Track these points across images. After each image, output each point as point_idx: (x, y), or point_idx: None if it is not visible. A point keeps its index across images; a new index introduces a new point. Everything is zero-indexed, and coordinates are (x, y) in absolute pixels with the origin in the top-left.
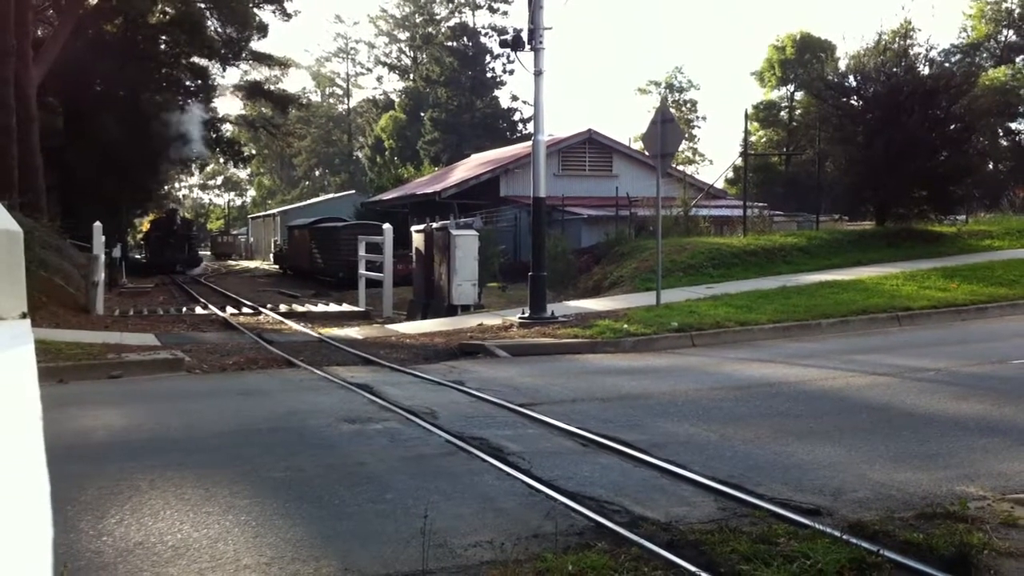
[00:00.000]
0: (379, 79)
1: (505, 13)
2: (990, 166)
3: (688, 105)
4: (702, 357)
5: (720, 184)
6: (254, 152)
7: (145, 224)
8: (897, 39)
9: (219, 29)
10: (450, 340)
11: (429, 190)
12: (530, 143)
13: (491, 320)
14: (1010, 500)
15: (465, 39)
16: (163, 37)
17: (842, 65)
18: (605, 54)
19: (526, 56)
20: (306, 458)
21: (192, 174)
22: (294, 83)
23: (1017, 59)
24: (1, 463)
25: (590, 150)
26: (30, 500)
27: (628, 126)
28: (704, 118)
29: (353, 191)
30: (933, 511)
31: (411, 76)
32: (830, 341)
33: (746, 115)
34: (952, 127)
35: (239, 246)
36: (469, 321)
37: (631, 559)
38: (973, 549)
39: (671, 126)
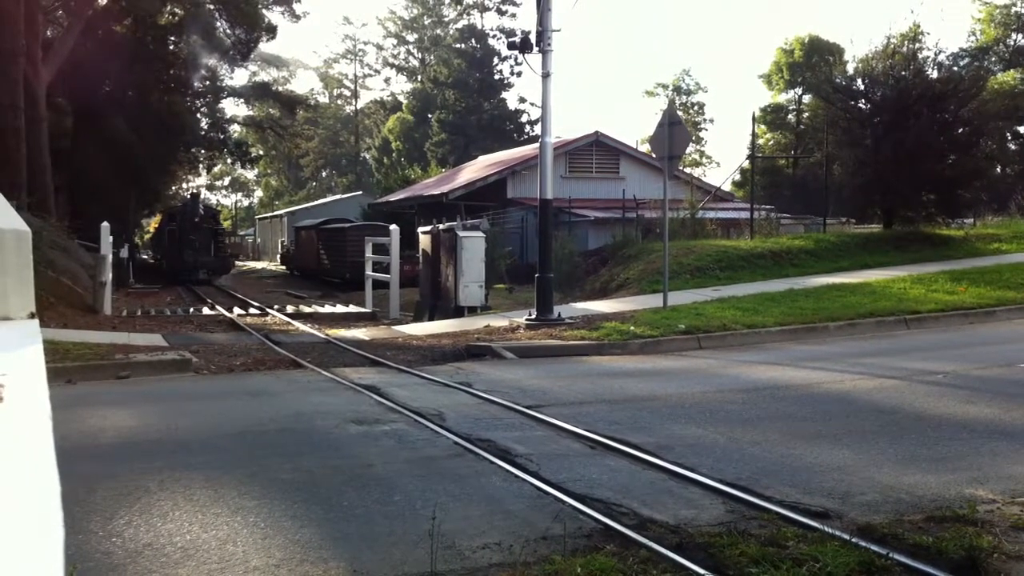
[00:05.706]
0: (387, 81)
1: (513, 15)
2: (998, 170)
3: (695, 108)
4: (709, 359)
5: (727, 187)
6: (261, 153)
7: (153, 224)
8: (906, 42)
9: (228, 30)
10: (457, 341)
11: (436, 191)
12: (537, 145)
13: (498, 321)
14: (1019, 503)
15: (473, 41)
16: (172, 38)
17: (850, 68)
18: (613, 56)
19: (534, 58)
20: (314, 459)
21: (199, 174)
22: (302, 84)
23: None
24: (12, 464)
25: (597, 152)
26: (41, 501)
27: (635, 128)
28: (711, 121)
29: (360, 192)
30: (942, 514)
31: (419, 78)
32: (837, 344)
33: (754, 118)
34: (960, 131)
35: (246, 247)
36: (476, 322)
37: (640, 562)
38: (982, 552)
39: (678, 128)
